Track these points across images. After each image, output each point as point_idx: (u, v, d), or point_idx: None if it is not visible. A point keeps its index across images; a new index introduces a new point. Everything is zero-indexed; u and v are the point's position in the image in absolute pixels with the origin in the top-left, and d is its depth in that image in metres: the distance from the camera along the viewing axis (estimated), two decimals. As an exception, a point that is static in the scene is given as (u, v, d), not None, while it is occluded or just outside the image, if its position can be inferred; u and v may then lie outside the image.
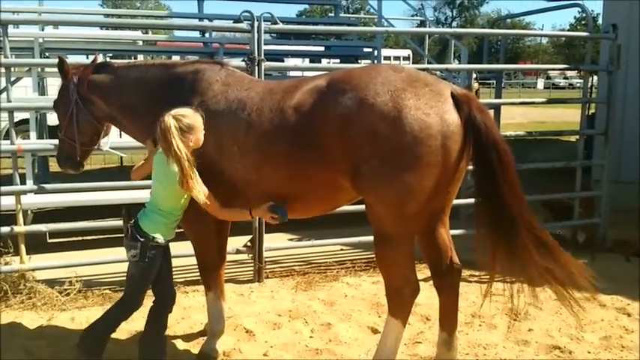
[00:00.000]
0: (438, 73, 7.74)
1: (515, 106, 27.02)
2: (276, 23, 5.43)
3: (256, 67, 5.26)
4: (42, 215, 7.25)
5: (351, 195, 3.54)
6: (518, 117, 26.12)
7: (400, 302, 3.48)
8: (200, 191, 3.35)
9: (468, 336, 4.50)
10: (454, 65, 6.20)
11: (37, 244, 6.31)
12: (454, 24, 73.72)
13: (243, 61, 5.31)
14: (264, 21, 5.32)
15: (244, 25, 5.38)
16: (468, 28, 48.75)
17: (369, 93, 3.23)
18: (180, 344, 4.23)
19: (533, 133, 6.92)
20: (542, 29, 63.72)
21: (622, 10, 8.13)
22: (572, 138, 14.58)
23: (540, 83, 55.47)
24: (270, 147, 3.47)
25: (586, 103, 6.65)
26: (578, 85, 47.64)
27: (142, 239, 3.41)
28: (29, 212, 6.61)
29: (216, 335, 4.10)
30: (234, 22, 5.56)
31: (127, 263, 3.59)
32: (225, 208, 3.55)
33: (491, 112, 7.77)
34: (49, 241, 6.85)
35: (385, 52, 22.18)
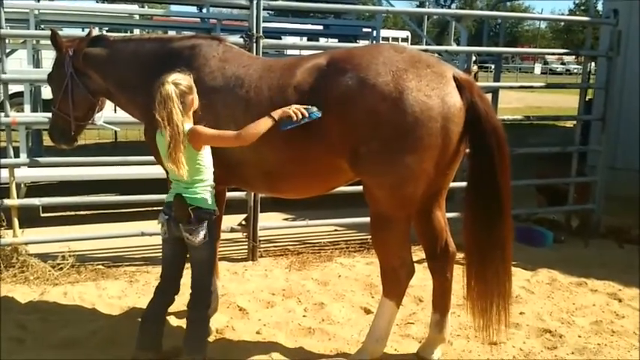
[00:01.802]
0: (436, 55, 7.68)
1: (512, 91, 27.17)
2: (275, -1, 5.36)
3: (254, 44, 5.20)
4: (36, 189, 7.22)
5: (349, 176, 3.51)
6: (515, 102, 26.08)
7: (395, 283, 3.48)
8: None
9: (459, 318, 4.50)
10: (454, 47, 6.15)
11: (31, 218, 6.29)
12: (453, 6, 73.30)
13: (241, 37, 5.25)
14: (264, -3, 5.25)
15: (243, 1, 5.31)
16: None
17: (371, 73, 3.19)
18: (174, 320, 4.21)
19: (530, 118, 6.90)
20: (541, 14, 63.33)
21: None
22: (569, 124, 14.59)
23: (538, 68, 55.31)
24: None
25: (585, 88, 6.62)
26: (575, 70, 47.50)
27: (207, 216, 3.29)
28: (22, 186, 6.56)
29: (210, 311, 4.09)
30: (232, -2, 5.48)
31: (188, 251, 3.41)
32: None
33: (490, 95, 7.75)
34: (43, 215, 6.83)
35: (384, 32, 21.98)
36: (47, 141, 11.18)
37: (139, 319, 3.58)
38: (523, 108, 22.79)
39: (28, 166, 5.61)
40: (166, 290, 3.50)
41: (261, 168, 3.54)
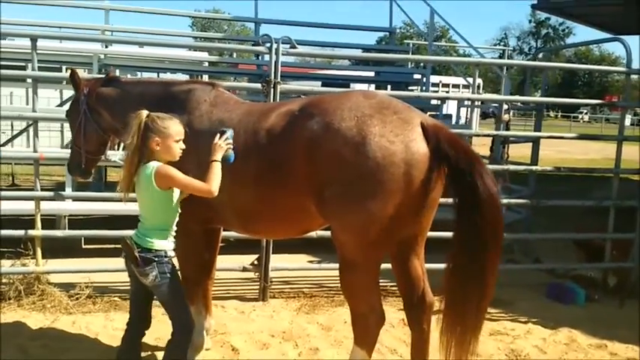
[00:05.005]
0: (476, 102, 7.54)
1: (592, 142, 26.22)
2: (294, 47, 5.51)
3: (272, 89, 5.34)
4: (90, 221, 7.54)
5: (321, 220, 3.52)
6: (593, 153, 25.15)
7: (365, 331, 3.42)
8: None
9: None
10: (477, 95, 6.06)
11: (73, 249, 6.65)
12: (540, 55, 71.96)
13: (259, 82, 5.42)
14: (283, 44, 5.41)
15: (263, 48, 5.50)
16: (552, 60, 47.54)
17: (336, 118, 3.23)
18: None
19: (561, 169, 6.66)
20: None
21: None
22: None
23: (627, 120, 53.08)
24: (241, 168, 3.49)
25: (621, 140, 6.33)
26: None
27: (156, 259, 3.34)
28: (64, 218, 6.90)
29: (196, 349, 4.14)
30: (253, 45, 5.69)
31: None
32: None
33: (530, 144, 7.55)
34: (84, 247, 7.17)
35: (453, 80, 21.92)
36: (113, 177, 11.85)
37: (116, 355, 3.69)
38: (599, 159, 21.93)
39: (57, 199, 5.85)
40: (134, 324, 3.59)
41: (235, 208, 3.61)
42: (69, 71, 4.45)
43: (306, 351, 4.60)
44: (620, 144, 6.33)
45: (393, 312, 5.34)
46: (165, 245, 3.40)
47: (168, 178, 3.29)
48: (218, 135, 3.42)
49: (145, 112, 3.34)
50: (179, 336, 3.45)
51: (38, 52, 5.39)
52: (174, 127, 3.37)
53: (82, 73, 8.73)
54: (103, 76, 4.73)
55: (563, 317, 5.58)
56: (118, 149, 4.82)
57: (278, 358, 4.44)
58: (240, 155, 3.46)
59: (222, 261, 5.57)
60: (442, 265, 5.03)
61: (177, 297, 3.45)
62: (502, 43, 71.11)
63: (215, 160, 3.35)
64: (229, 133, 3.43)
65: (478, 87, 25.66)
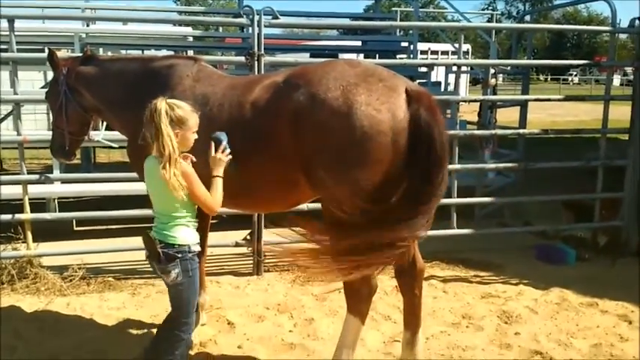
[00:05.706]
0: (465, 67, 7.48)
1: (582, 103, 26.18)
2: (276, 18, 5.44)
3: (256, 62, 5.29)
4: (82, 203, 7.51)
5: (310, 192, 3.51)
6: (583, 114, 25.16)
7: (358, 300, 3.44)
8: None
9: (450, 337, 4.40)
10: (463, 61, 6.02)
11: (65, 232, 6.64)
12: (527, 18, 71.64)
13: (243, 55, 5.36)
14: (265, 15, 5.34)
15: (244, 20, 5.42)
16: (540, 23, 47.47)
17: (321, 88, 3.20)
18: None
19: (549, 132, 6.64)
20: (619, 23, 60.60)
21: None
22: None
23: (617, 80, 53.13)
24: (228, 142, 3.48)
25: (607, 100, 6.32)
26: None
27: (179, 255, 3.16)
28: (53, 200, 6.85)
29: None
30: (234, 17, 5.61)
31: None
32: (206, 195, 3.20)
33: (518, 108, 7.54)
34: (76, 229, 7.15)
35: (440, 46, 21.76)
36: (102, 158, 11.78)
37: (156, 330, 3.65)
38: (589, 120, 21.93)
39: (41, 183, 5.79)
40: None
41: (224, 183, 3.58)
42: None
43: (301, 322, 4.64)
44: (607, 104, 6.32)
45: (387, 279, 5.38)
46: (189, 238, 3.22)
47: (186, 181, 3.11)
48: (213, 146, 3.27)
49: (162, 102, 3.08)
50: (177, 330, 3.27)
51: (19, 33, 5.31)
52: (193, 119, 3.19)
53: (65, 53, 8.70)
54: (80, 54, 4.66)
55: (554, 278, 5.65)
56: (101, 129, 4.77)
57: (274, 331, 4.47)
58: (226, 130, 3.43)
59: (216, 237, 5.59)
60: (432, 232, 5.26)
61: (185, 303, 3.26)
62: (490, 8, 70.65)
63: (217, 176, 3.27)
64: (224, 139, 3.29)
65: (466, 53, 25.60)
